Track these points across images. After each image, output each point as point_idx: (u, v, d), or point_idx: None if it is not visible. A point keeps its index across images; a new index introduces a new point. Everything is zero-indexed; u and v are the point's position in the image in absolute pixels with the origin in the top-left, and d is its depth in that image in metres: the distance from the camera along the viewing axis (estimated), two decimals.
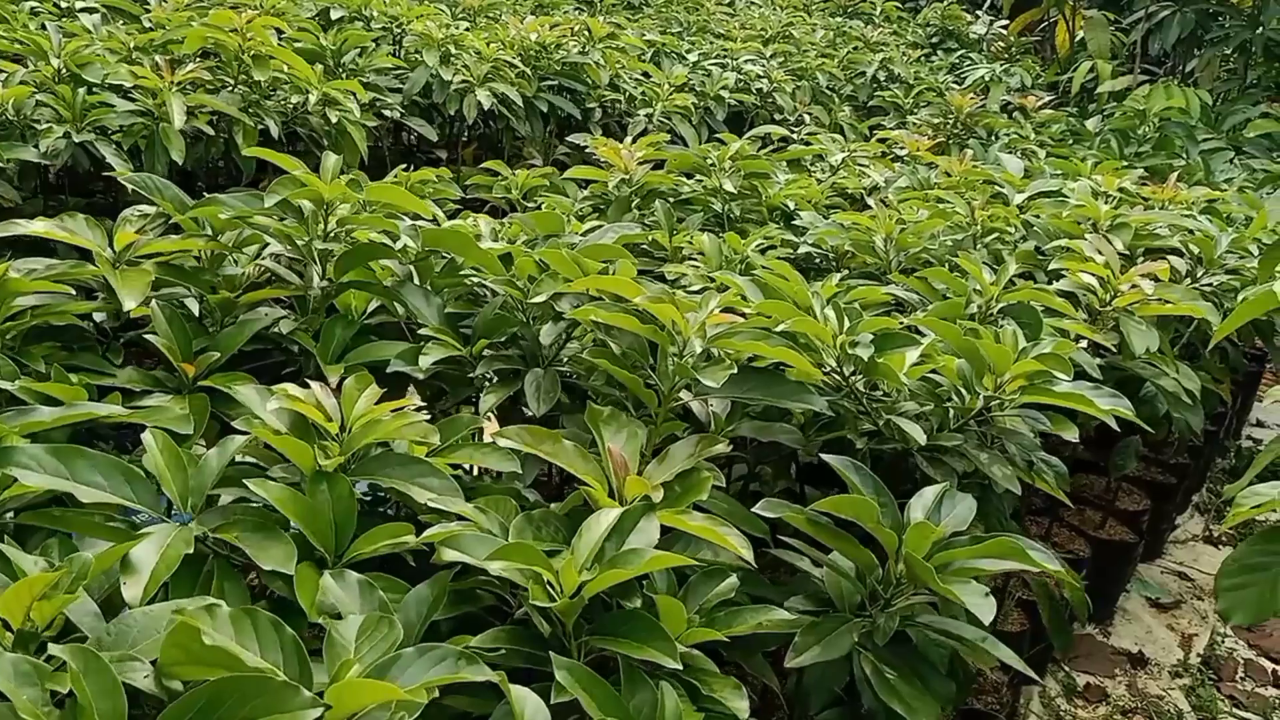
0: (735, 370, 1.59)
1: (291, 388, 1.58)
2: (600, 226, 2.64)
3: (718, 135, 3.94)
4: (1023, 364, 1.71)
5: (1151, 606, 3.48)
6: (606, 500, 1.45)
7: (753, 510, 1.50)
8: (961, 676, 1.75)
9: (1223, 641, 3.31)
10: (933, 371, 1.87)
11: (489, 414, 1.79)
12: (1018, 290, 2.16)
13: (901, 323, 1.94)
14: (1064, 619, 2.52)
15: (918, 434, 1.71)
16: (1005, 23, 8.43)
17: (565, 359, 1.91)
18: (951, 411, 1.81)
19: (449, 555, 1.29)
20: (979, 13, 8.77)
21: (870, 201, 3.57)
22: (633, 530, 1.36)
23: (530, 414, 1.77)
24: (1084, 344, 1.95)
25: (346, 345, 1.90)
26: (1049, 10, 8.21)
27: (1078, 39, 7.54)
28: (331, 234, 1.93)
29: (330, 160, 2.00)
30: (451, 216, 2.93)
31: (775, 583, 1.75)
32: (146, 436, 1.42)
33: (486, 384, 1.85)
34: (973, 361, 1.76)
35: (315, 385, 1.60)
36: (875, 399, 1.83)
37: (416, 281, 2.04)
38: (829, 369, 1.83)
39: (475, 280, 1.95)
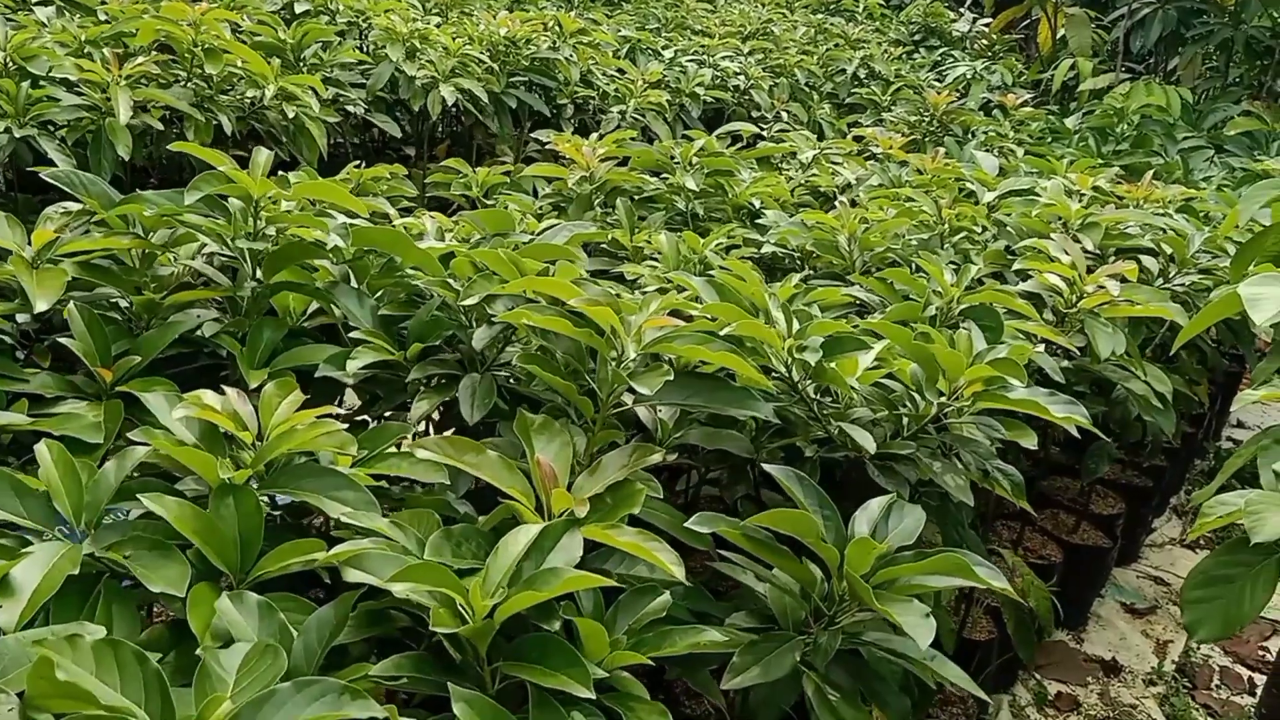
0: (671, 377, 1.51)
1: (207, 394, 1.51)
2: (556, 225, 2.57)
3: (687, 133, 3.87)
4: (977, 369, 1.64)
5: (1126, 612, 3.42)
6: (531, 515, 1.37)
7: (686, 524, 1.42)
8: (917, 692, 1.68)
9: (1198, 648, 3.25)
10: (888, 376, 1.80)
11: (424, 420, 1.71)
12: (979, 292, 2.09)
13: (854, 326, 1.87)
14: (1030, 629, 2.45)
15: (868, 442, 1.63)
16: (988, 20, 8.37)
17: (505, 363, 1.83)
18: (905, 419, 1.74)
19: (353, 575, 1.21)
20: (962, 10, 8.72)
21: (842, 199, 3.50)
22: (553, 548, 1.28)
23: (468, 422, 1.69)
24: (1041, 347, 1.88)
25: (276, 348, 1.82)
26: (1031, 8, 8.16)
27: (1060, 37, 7.49)
28: (261, 233, 1.85)
29: (261, 156, 1.91)
30: (406, 214, 2.85)
31: (722, 595, 1.68)
32: (40, 448, 1.34)
33: (420, 390, 1.77)
34: (925, 367, 1.69)
35: (231, 391, 1.52)
36: (827, 405, 1.76)
37: (354, 283, 1.97)
38: (778, 374, 1.76)
39: (417, 281, 1.87)
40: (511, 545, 1.25)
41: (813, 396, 1.77)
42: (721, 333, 1.66)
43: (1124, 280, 2.35)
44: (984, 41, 8.05)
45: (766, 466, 1.54)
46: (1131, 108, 4.66)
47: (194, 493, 1.44)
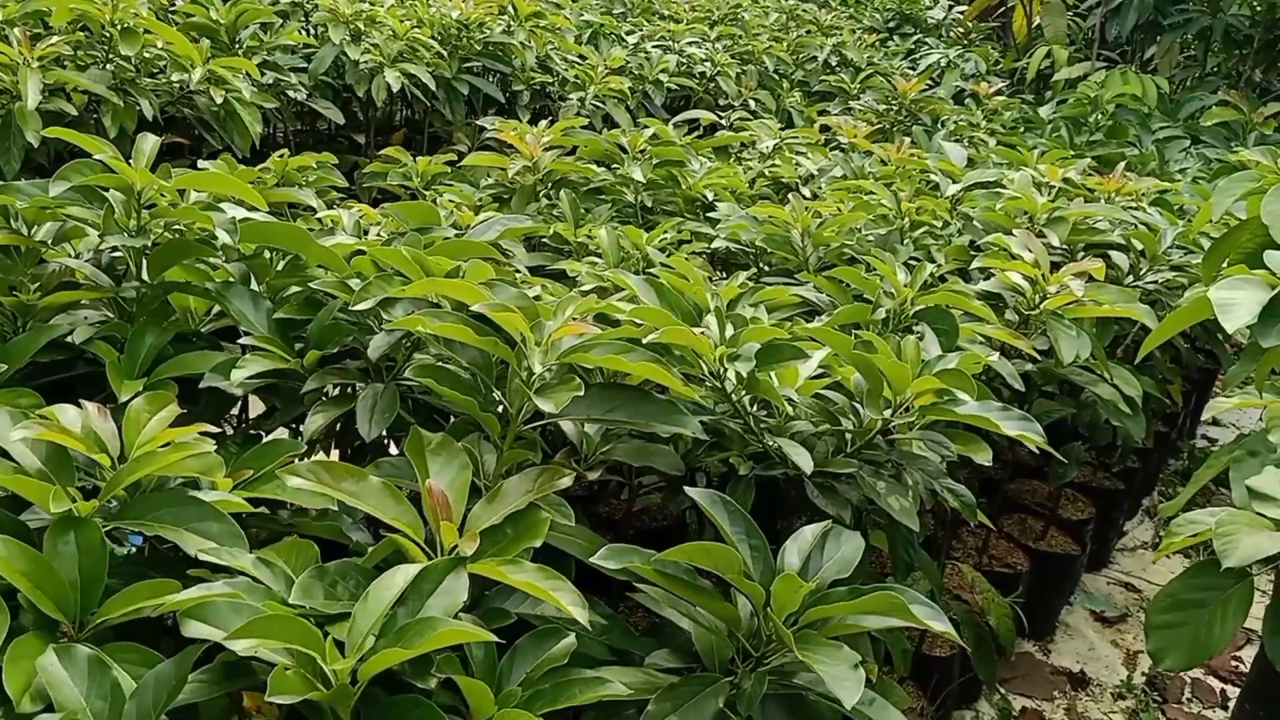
0: (582, 392, 1.35)
1: (65, 410, 1.34)
2: (490, 219, 2.41)
3: (640, 121, 3.71)
4: (923, 381, 1.49)
5: (1096, 620, 3.30)
6: (416, 552, 1.21)
7: (593, 560, 1.27)
8: None
9: None
10: (831, 386, 1.65)
11: (316, 436, 1.55)
12: (934, 293, 1.94)
13: (791, 332, 1.72)
14: (990, 648, 2.32)
15: (805, 462, 1.49)
16: (964, 7, 8.24)
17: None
18: (848, 434, 1.59)
19: (193, 630, 1.05)
20: None
21: (804, 191, 3.35)
22: (434, 591, 1.13)
23: (365, 438, 1.53)
24: (995, 356, 1.74)
25: (163, 355, 1.65)
26: None
27: (1035, 25, 7.36)
28: (145, 227, 1.68)
29: (146, 143, 1.74)
30: (331, 207, 2.68)
31: (644, 630, 1.53)
32: None
33: (318, 401, 1.61)
34: (868, 378, 1.54)
35: (90, 406, 1.36)
36: (763, 419, 1.61)
37: (254, 283, 1.80)
38: (711, 384, 1.61)
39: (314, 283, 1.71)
40: (384, 589, 1.10)
41: (748, 409, 1.62)
42: (645, 340, 1.51)
43: (1090, 279, 2.22)
44: (959, 29, 7.92)
45: (690, 492, 1.39)
46: (1106, 97, 4.53)
47: (42, 524, 1.28)
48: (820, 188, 3.28)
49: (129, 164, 1.68)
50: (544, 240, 2.70)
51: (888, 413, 1.58)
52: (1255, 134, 4.76)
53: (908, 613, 1.20)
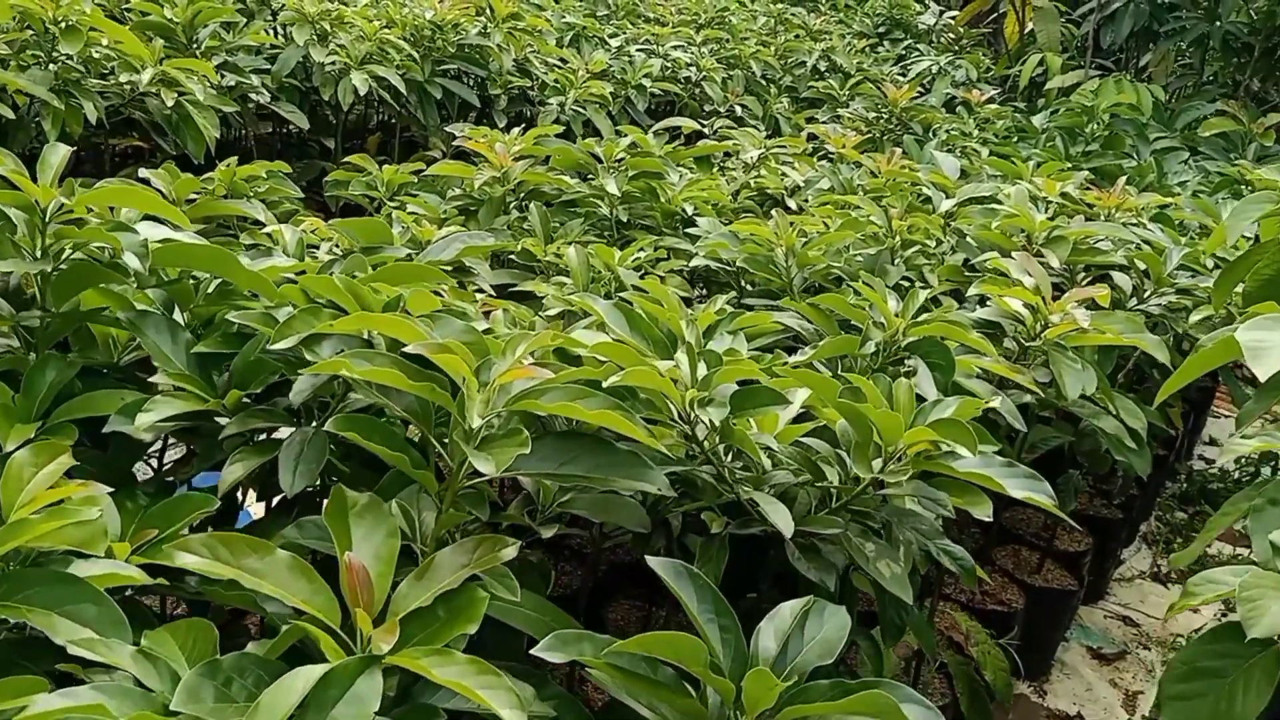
0: (528, 450, 1.18)
1: None
2: (451, 235, 2.23)
3: (619, 129, 3.54)
4: (917, 432, 1.32)
5: (1093, 658, 3.14)
6: (328, 643, 1.04)
7: (534, 650, 1.10)
8: None
9: None
10: (813, 432, 1.48)
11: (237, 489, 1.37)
12: (928, 323, 1.78)
13: (772, 368, 1.56)
14: (985, 703, 2.16)
15: (784, 522, 1.32)
16: (955, 13, 8.10)
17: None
18: (834, 489, 1.43)
19: None
20: (928, 2, 8.44)
21: (790, 203, 3.19)
22: (341, 698, 0.95)
23: (286, 491, 1.35)
24: (997, 401, 1.57)
25: (62, 393, 1.47)
26: (999, 0, 7.90)
27: (1028, 31, 7.22)
28: (50, 250, 1.50)
29: (56, 155, 1.56)
30: (282, 220, 2.51)
31: (601, 713, 1.36)
32: None
33: (239, 448, 1.43)
34: (856, 427, 1.38)
35: None
36: (739, 471, 1.44)
37: (178, 311, 1.62)
38: (681, 429, 1.44)
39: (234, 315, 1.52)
40: (280, 697, 0.92)
41: (722, 458, 1.45)
42: (607, 383, 1.34)
43: (1095, 306, 2.06)
44: (950, 35, 7.78)
45: (652, 563, 1.22)
46: (1102, 106, 4.38)
47: None
48: (807, 200, 3.12)
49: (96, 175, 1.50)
50: (512, 256, 2.53)
51: (877, 463, 1.41)
52: (1255, 145, 4.62)
53: (899, 716, 1.03)
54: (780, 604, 1.20)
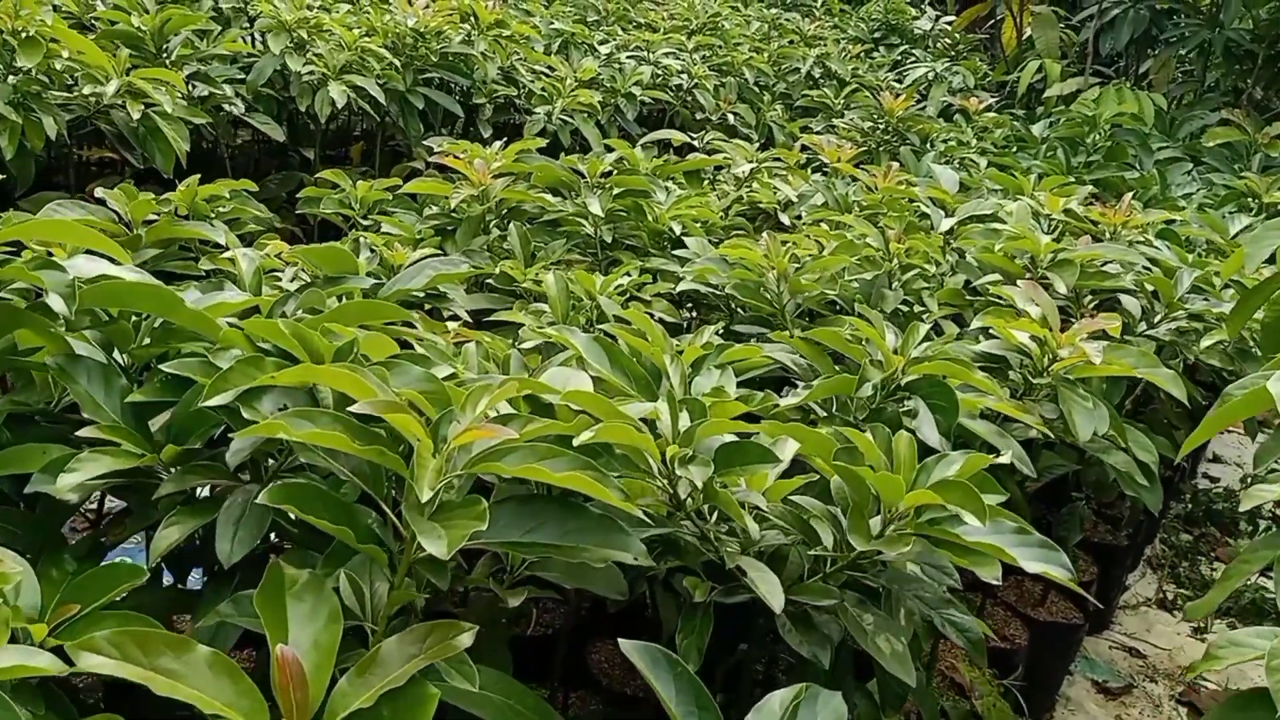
0: (484, 525, 1.06)
1: None
2: (423, 260, 2.11)
3: (605, 142, 3.42)
4: (919, 495, 1.20)
5: (1099, 692, 3.02)
6: None
7: None
8: None
9: None
10: (805, 487, 1.36)
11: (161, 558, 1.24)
12: (929, 361, 1.65)
13: (762, 409, 1.44)
14: None
15: (774, 596, 1.19)
16: (952, 18, 7.99)
17: (299, 469, 1.36)
18: (828, 556, 1.30)
19: None
20: (924, 7, 8.33)
21: (783, 218, 3.07)
22: None
23: (222, 561, 1.23)
24: (1008, 457, 1.44)
25: None
26: (995, 6, 7.79)
27: (1026, 37, 7.11)
28: None
29: None
30: (247, 242, 2.38)
31: None
32: None
33: (176, 508, 1.31)
34: (854, 488, 1.25)
35: None
36: (724, 536, 1.31)
37: (118, 353, 1.49)
38: (661, 484, 1.32)
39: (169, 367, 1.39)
40: None
41: (707, 518, 1.33)
42: (577, 441, 1.22)
43: (1105, 337, 1.94)
44: (946, 40, 7.66)
45: (625, 646, 1.09)
46: (1105, 116, 4.27)
47: None
48: (800, 216, 3.00)
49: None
50: (490, 281, 2.41)
51: (875, 522, 1.29)
52: (1260, 156, 4.51)
53: None
54: (770, 694, 1.07)
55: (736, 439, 1.30)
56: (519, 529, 1.20)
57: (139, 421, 1.37)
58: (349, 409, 1.14)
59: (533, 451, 1.17)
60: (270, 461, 1.37)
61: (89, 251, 1.52)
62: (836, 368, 1.80)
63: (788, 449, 1.29)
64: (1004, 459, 1.31)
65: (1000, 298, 2.02)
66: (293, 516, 1.37)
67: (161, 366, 1.31)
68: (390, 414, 1.13)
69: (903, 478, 1.24)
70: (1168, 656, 3.22)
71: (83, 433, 1.31)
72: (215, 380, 1.20)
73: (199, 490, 1.37)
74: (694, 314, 2.71)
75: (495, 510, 1.20)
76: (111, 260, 1.49)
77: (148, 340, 1.50)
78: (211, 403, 1.18)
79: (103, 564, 1.25)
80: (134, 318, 1.52)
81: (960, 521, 1.20)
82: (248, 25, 3.93)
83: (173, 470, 1.32)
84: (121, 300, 1.41)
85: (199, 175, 2.36)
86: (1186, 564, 3.76)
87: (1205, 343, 2.44)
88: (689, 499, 1.31)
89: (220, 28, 3.72)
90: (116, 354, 1.50)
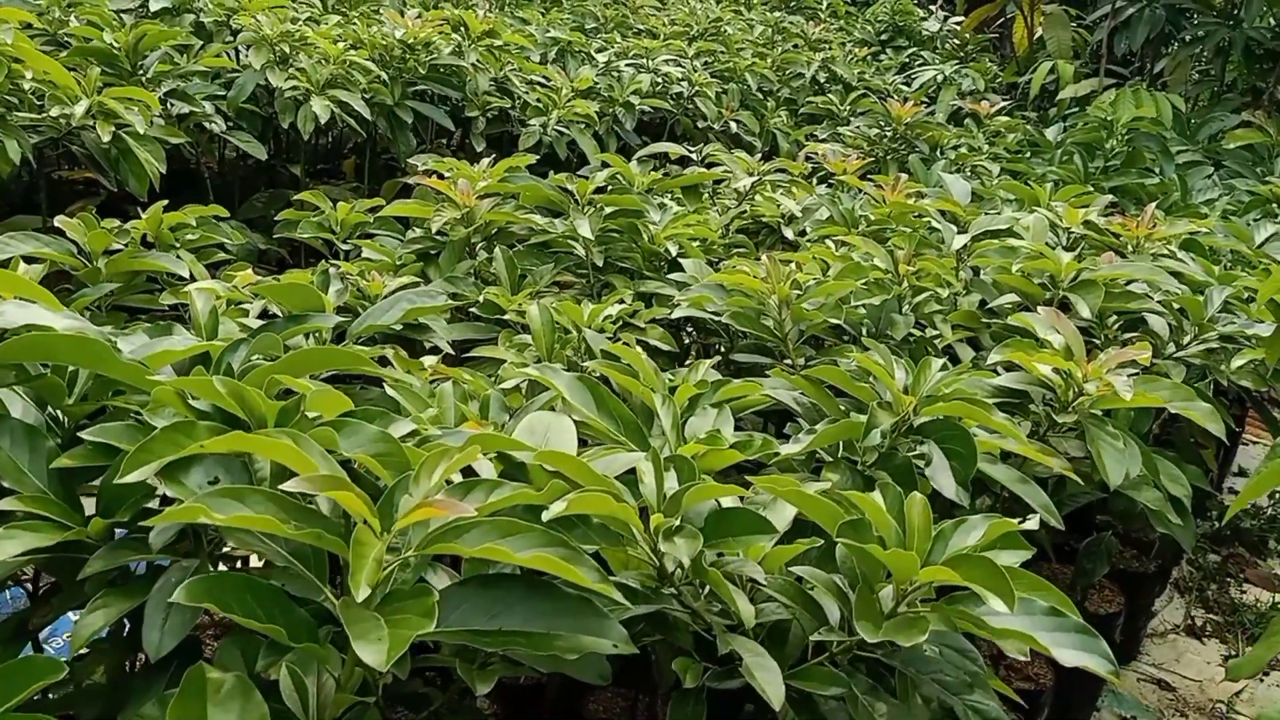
0: (432, 625, 0.92)
1: None
2: (399, 293, 1.98)
3: (599, 157, 3.28)
4: (934, 572, 1.06)
5: None
6: None
7: None
8: None
9: None
10: (803, 556, 1.22)
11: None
12: (943, 402, 1.51)
13: (762, 456, 1.30)
14: None
15: (773, 688, 1.05)
16: (960, 19, 7.83)
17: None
18: (835, 640, 1.16)
19: None
20: (932, 8, 8.17)
21: (787, 232, 2.93)
22: None
23: (150, 654, 1.09)
24: (1034, 522, 1.29)
25: None
26: (1005, 5, 7.62)
27: (1037, 37, 6.95)
28: None
29: None
30: (213, 269, 2.26)
31: None
32: None
33: (102, 589, 1.17)
34: (863, 564, 1.11)
35: None
36: (716, 616, 1.17)
37: (49, 411, 1.36)
38: (646, 557, 1.18)
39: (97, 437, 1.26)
40: None
41: (699, 594, 1.18)
42: (547, 515, 1.07)
43: (1134, 367, 1.78)
44: (955, 41, 7.50)
45: None
46: (1122, 120, 4.11)
47: None
48: (804, 231, 2.85)
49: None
50: (474, 309, 2.27)
51: (886, 594, 1.15)
52: None
53: None
54: None
55: (728, 505, 1.15)
56: (483, 615, 1.06)
57: (67, 490, 1.23)
58: (280, 489, 0.99)
59: (495, 528, 1.03)
60: (213, 532, 1.24)
61: (19, 297, 1.39)
62: (842, 406, 1.65)
63: (784, 515, 1.15)
64: (1030, 524, 1.16)
65: (1019, 325, 1.87)
66: None
67: (82, 435, 1.17)
68: (331, 491, 0.99)
69: (916, 550, 1.09)
70: (1198, 689, 3.05)
71: (2, 504, 1.18)
72: (135, 452, 1.06)
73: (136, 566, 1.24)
74: (694, 335, 2.57)
75: (457, 592, 1.06)
76: (45, 307, 1.36)
77: (85, 395, 1.37)
78: (130, 479, 1.04)
79: (20, 657, 1.11)
80: (69, 369, 1.39)
81: (982, 602, 1.06)
82: (231, 40, 3.81)
83: (99, 547, 1.19)
84: (48, 352, 1.27)
85: (165, 201, 2.24)
86: (1215, 587, 3.60)
87: (1237, 362, 2.28)
88: (675, 573, 1.16)
89: (201, 43, 3.60)
90: (52, 410, 1.37)
